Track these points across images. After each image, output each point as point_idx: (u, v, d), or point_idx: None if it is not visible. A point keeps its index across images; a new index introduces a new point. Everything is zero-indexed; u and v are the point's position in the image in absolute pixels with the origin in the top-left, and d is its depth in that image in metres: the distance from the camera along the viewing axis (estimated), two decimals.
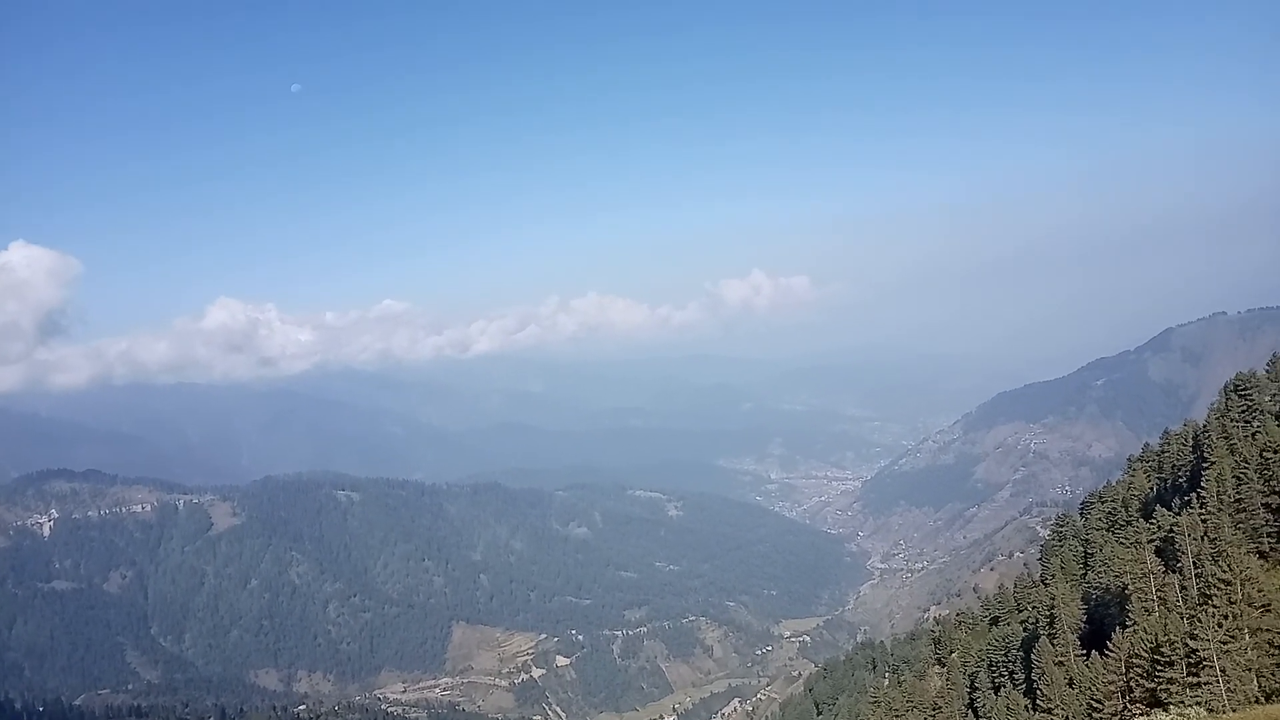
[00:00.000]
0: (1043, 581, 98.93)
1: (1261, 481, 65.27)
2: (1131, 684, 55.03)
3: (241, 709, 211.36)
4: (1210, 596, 51.06)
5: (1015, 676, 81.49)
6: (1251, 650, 48.37)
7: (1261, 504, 64.37)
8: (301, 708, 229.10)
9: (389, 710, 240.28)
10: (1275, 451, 65.58)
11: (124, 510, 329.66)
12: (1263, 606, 49.57)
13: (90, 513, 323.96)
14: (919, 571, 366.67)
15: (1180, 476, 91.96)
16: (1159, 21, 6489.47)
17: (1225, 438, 79.96)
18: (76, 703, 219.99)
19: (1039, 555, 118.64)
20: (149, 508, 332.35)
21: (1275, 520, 63.21)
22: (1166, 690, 49.60)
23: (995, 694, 79.84)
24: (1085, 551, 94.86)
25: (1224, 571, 50.46)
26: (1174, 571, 63.51)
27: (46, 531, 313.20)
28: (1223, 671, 46.85)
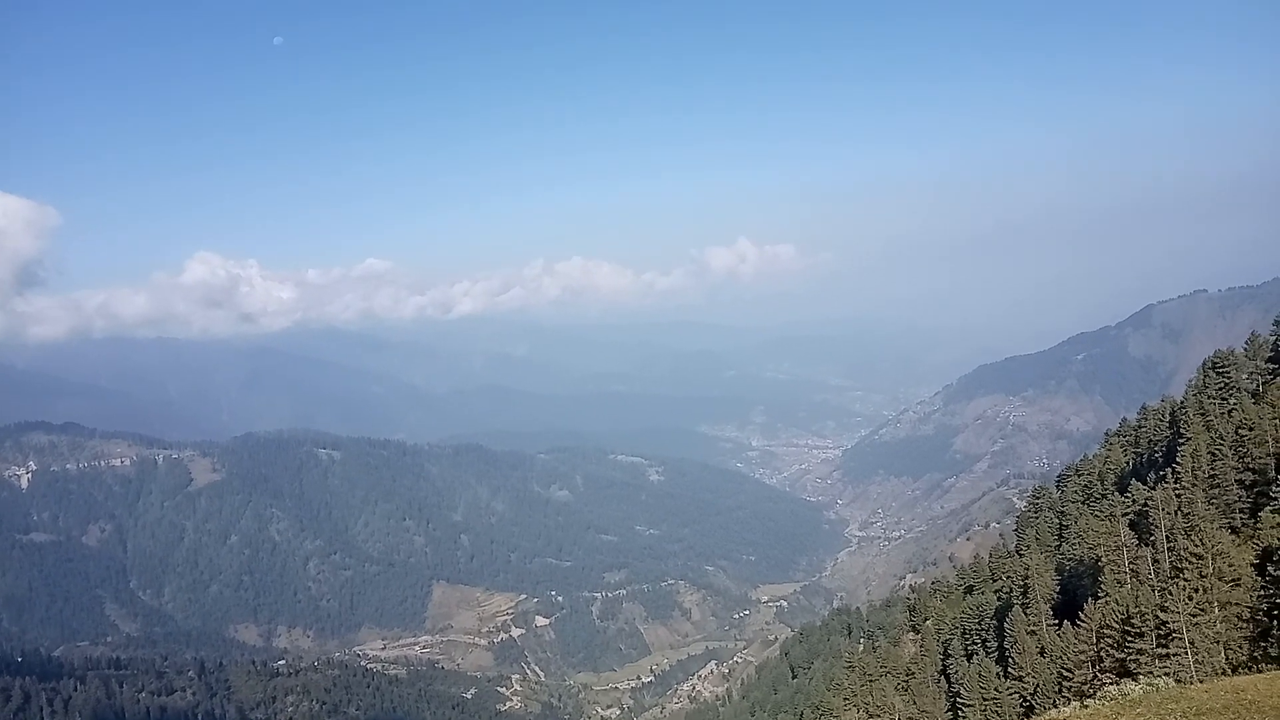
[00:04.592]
0: (1018, 552, 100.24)
1: (1236, 458, 66.08)
2: (1102, 654, 56.00)
3: (221, 663, 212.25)
4: (1182, 570, 51.80)
5: (988, 644, 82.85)
6: (1220, 623, 49.24)
7: (1235, 480, 65.18)
8: (281, 663, 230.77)
9: (369, 667, 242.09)
10: (1250, 429, 66.36)
11: (103, 464, 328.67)
12: (1233, 580, 50.36)
13: (69, 465, 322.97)
14: (896, 540, 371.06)
15: (1156, 452, 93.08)
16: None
17: (1202, 414, 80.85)
18: (55, 654, 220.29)
19: (1015, 526, 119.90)
20: (128, 461, 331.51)
21: (1248, 496, 64.01)
22: (1136, 661, 50.43)
23: (968, 661, 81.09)
24: (1060, 523, 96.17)
25: (1196, 545, 51.11)
26: (1147, 545, 64.42)
27: (24, 483, 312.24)
28: (1191, 644, 47.65)
